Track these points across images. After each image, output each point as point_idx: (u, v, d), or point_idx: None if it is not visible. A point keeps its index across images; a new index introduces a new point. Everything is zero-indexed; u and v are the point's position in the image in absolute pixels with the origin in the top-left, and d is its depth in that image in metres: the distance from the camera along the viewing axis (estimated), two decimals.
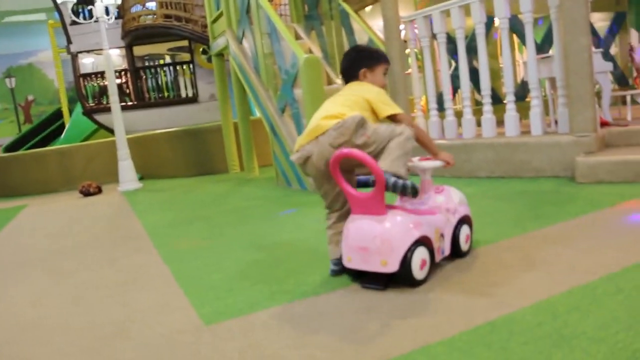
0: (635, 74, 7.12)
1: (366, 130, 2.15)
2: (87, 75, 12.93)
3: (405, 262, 2.02)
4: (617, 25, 7.24)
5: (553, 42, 4.29)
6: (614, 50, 7.29)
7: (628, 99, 5.00)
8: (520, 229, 2.72)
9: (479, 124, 4.65)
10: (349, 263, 2.14)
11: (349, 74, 2.45)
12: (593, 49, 3.94)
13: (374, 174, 2.01)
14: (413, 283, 2.07)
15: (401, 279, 2.06)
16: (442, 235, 2.25)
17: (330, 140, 2.15)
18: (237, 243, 3.30)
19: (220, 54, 7.70)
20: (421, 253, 2.08)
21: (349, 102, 2.28)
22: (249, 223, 3.87)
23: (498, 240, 2.58)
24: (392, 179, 2.06)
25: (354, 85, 2.42)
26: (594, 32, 6.44)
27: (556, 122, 4.30)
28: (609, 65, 4.79)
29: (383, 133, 2.16)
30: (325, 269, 2.44)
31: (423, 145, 2.40)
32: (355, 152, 2.03)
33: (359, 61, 2.45)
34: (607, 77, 4.77)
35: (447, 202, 2.32)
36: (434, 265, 2.19)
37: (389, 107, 2.30)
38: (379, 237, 2.02)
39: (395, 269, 2.02)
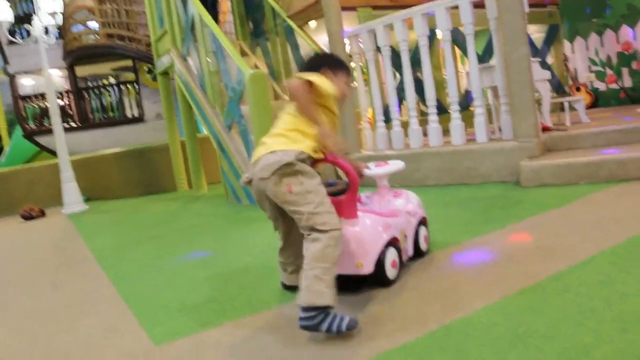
0: (570, 82, 7.41)
1: (293, 181, 1.88)
2: (27, 97, 12.52)
3: (379, 263, 2.07)
4: (552, 37, 7.54)
5: (493, 52, 4.41)
6: (550, 60, 7.58)
7: (566, 105, 5.18)
8: (470, 234, 2.76)
9: (425, 134, 4.73)
10: None
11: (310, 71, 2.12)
12: (531, 58, 4.07)
13: (349, 178, 2.05)
14: (387, 283, 2.12)
15: (375, 279, 2.10)
16: (405, 237, 2.31)
17: (258, 172, 1.94)
18: (188, 262, 3.22)
19: (166, 73, 7.58)
20: (392, 254, 2.15)
21: (295, 114, 2.02)
22: (199, 241, 3.79)
23: (449, 246, 2.61)
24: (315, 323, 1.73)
25: None
26: (531, 43, 6.67)
27: (500, 129, 4.41)
28: (547, 74, 4.96)
29: (309, 202, 1.86)
30: (276, 283, 2.41)
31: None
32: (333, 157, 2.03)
33: (322, 62, 2.22)
34: (546, 84, 4.93)
35: (406, 205, 2.39)
36: (402, 266, 2.25)
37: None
38: (352, 240, 2.04)
39: (371, 271, 2.05)
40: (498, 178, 4.06)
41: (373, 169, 2.40)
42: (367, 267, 2.05)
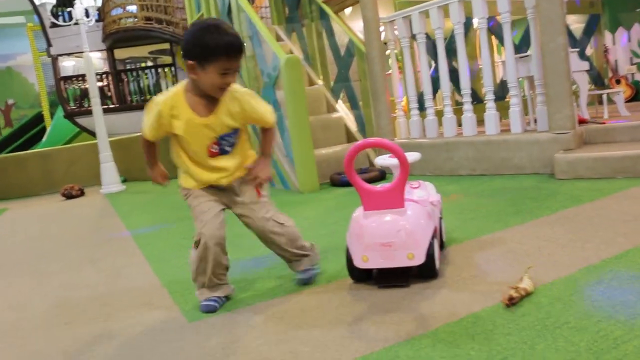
0: (610, 74, 7.24)
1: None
2: (68, 78, 12.81)
3: (429, 253, 2.01)
4: (592, 27, 7.35)
5: (530, 42, 4.35)
6: (589, 51, 7.39)
7: (604, 97, 5.07)
8: (502, 224, 2.75)
9: (459, 123, 4.69)
10: (364, 264, 2.03)
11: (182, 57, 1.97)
12: (569, 48, 3.99)
13: (400, 162, 1.96)
14: (434, 274, 2.05)
15: (423, 272, 2.04)
16: None
17: None
18: None
19: None
20: (436, 244, 2.09)
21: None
22: (232, 222, 3.84)
23: (480, 236, 2.60)
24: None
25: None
26: (569, 33, 6.53)
27: (535, 120, 4.36)
28: (585, 65, 4.86)
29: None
30: None
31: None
32: (382, 141, 2.02)
33: (188, 47, 1.91)
34: (583, 76, 4.83)
35: (428, 196, 2.33)
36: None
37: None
38: (403, 230, 1.97)
39: (422, 261, 1.98)
40: (532, 170, 4.02)
41: (388, 159, 2.37)
42: (418, 258, 1.97)
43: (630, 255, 2.05)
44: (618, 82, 6.92)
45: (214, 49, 1.86)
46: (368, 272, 2.12)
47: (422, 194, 2.29)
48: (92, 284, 2.74)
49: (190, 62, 1.90)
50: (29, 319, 2.31)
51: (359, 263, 2.04)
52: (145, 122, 2.04)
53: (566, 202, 3.04)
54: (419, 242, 1.98)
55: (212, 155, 2.06)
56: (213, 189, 2.13)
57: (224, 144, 2.06)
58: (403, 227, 1.98)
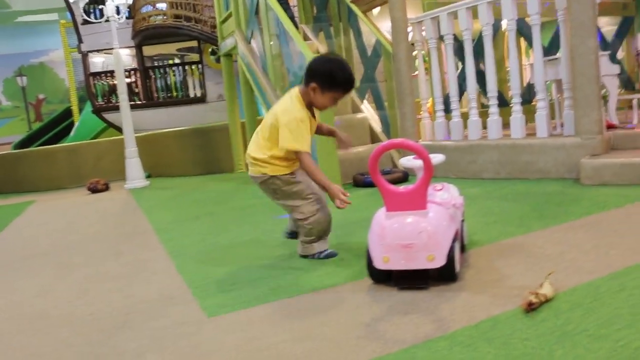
0: None
1: (275, 181, 2.57)
2: (97, 74, 13.01)
3: (449, 256, 2.00)
4: (624, 30, 7.20)
5: (560, 45, 4.29)
6: (620, 54, 7.24)
7: (635, 102, 4.97)
8: (524, 229, 2.72)
9: (484, 126, 4.65)
10: (385, 264, 2.02)
11: (305, 75, 2.49)
12: (600, 51, 3.93)
13: (424, 164, 1.97)
14: (454, 277, 2.04)
15: (443, 274, 2.03)
16: None
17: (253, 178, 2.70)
18: (241, 239, 3.32)
19: (229, 55, 7.72)
20: (457, 247, 2.09)
21: (268, 128, 2.53)
22: (253, 221, 3.88)
23: (502, 239, 2.58)
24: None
25: (291, 94, 2.54)
26: (601, 36, 6.41)
27: (562, 124, 4.30)
28: (616, 68, 4.77)
29: (290, 196, 2.58)
30: (328, 266, 2.46)
31: (313, 179, 2.55)
32: (407, 142, 2.04)
33: (315, 75, 2.45)
34: (613, 80, 4.74)
35: (451, 198, 2.30)
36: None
37: (293, 141, 2.42)
38: (424, 232, 1.97)
39: (443, 263, 1.97)
40: (557, 174, 3.96)
41: (412, 161, 2.36)
42: (439, 260, 1.97)
43: None
44: None
45: (339, 83, 2.44)
46: (388, 273, 2.11)
47: (445, 196, 2.27)
48: (115, 277, 2.78)
49: (315, 84, 2.42)
50: (55, 309, 2.36)
51: (380, 264, 2.04)
52: (301, 139, 2.43)
53: (591, 208, 2.99)
54: (440, 244, 1.98)
55: None
56: None
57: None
58: (424, 228, 1.97)
